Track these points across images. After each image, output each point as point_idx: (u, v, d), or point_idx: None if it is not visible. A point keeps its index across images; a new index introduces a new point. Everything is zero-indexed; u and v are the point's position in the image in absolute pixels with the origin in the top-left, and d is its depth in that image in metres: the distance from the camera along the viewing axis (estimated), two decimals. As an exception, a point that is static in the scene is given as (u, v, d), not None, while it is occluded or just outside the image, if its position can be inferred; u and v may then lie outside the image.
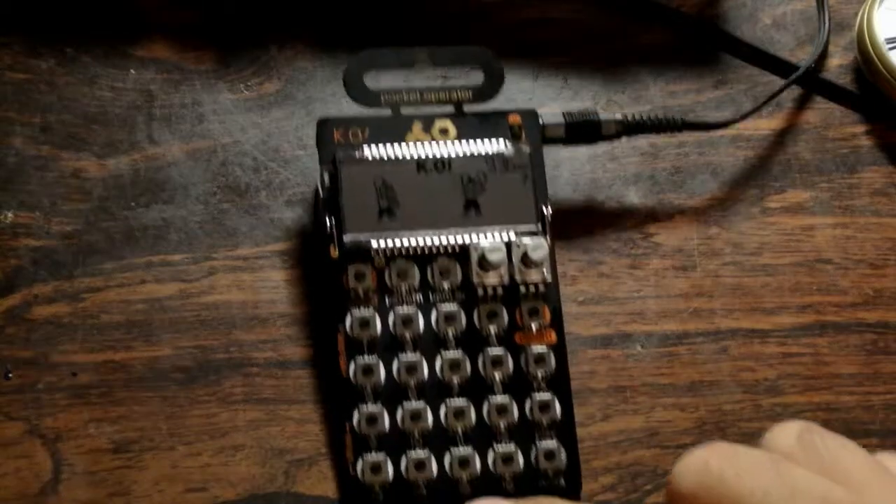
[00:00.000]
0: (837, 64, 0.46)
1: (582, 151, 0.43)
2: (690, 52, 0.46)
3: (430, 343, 0.35)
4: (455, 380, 0.35)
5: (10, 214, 0.40)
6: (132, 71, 0.42)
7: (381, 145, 0.36)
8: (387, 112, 0.37)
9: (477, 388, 0.35)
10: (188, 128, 0.42)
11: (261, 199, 0.41)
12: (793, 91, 0.45)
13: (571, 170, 0.43)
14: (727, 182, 0.43)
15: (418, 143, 0.37)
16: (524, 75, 0.44)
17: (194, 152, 0.41)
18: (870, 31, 0.45)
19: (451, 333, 0.35)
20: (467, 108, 0.38)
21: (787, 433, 0.26)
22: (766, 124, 0.45)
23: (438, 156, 0.36)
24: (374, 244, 0.35)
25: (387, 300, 0.36)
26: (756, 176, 0.44)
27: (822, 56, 0.46)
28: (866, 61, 0.45)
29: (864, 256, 0.42)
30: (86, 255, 0.39)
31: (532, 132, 0.38)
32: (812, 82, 0.45)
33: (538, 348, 0.36)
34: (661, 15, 0.46)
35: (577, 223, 0.42)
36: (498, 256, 0.35)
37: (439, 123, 0.37)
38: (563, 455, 0.34)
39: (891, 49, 0.45)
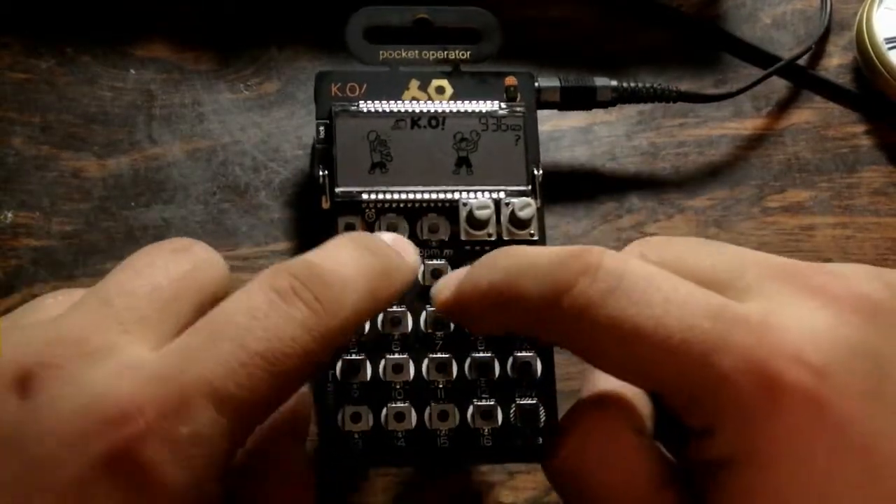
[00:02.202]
0: (837, 63, 0.47)
1: (581, 151, 0.43)
2: (690, 52, 0.46)
3: (416, 297, 0.35)
4: (438, 334, 0.35)
5: (10, 214, 0.40)
6: (132, 71, 0.42)
7: (377, 101, 0.37)
8: (385, 69, 0.38)
9: (460, 344, 0.35)
10: (188, 128, 0.42)
11: (261, 199, 0.41)
12: (792, 90, 0.45)
13: (570, 168, 0.43)
14: (727, 182, 0.43)
15: (414, 101, 0.37)
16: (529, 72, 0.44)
17: (194, 152, 0.41)
18: (869, 31, 0.45)
19: None
20: (465, 68, 0.38)
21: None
22: (765, 124, 0.45)
23: (433, 112, 0.37)
24: (364, 197, 0.36)
25: None
26: (755, 175, 0.44)
27: (822, 44, 0.46)
28: (865, 61, 0.45)
29: (863, 256, 0.42)
30: (86, 255, 0.39)
31: (527, 95, 0.38)
32: (803, 75, 0.46)
33: None
34: (661, 15, 0.46)
35: (577, 222, 0.42)
36: (486, 213, 0.35)
37: (436, 82, 0.38)
38: (541, 414, 0.34)
39: (890, 49, 0.45)
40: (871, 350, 0.25)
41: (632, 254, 0.29)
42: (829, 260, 0.42)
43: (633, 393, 0.29)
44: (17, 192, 0.40)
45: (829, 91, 0.46)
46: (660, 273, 0.27)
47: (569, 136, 0.43)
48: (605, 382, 0.30)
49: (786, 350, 0.24)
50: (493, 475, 0.38)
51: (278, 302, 0.26)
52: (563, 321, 0.27)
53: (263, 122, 0.42)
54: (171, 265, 0.27)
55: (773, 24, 0.47)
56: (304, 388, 0.31)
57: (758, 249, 0.42)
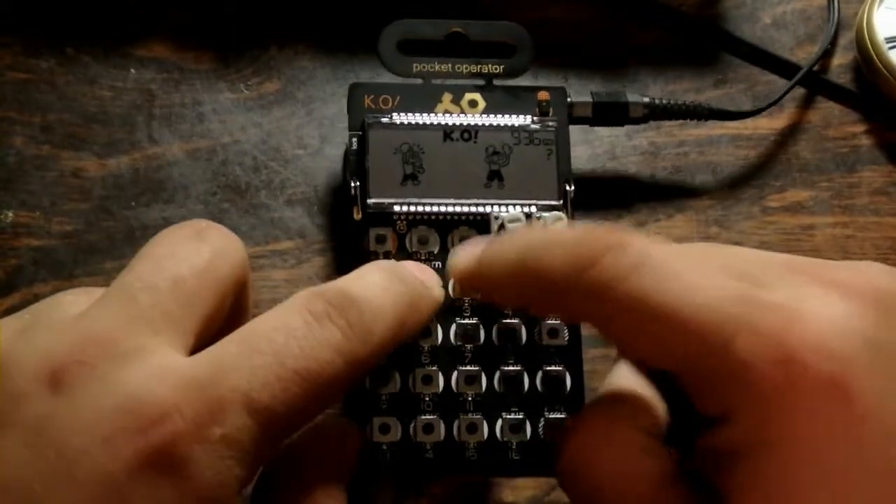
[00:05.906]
0: (837, 63, 0.47)
1: (582, 151, 0.43)
2: (690, 52, 0.46)
3: (446, 309, 0.35)
4: (468, 347, 0.35)
5: (10, 214, 0.40)
6: (132, 70, 0.42)
7: (410, 113, 0.37)
8: (418, 82, 0.38)
9: (489, 357, 0.35)
10: (188, 127, 0.42)
11: (261, 199, 0.41)
12: (792, 90, 0.45)
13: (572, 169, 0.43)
14: (727, 181, 0.43)
15: (447, 114, 0.37)
16: (524, 75, 0.44)
17: (194, 152, 0.41)
18: (870, 31, 0.45)
19: (466, 301, 0.36)
20: (497, 82, 0.38)
21: None
22: (765, 123, 0.45)
23: (465, 125, 0.37)
24: (396, 208, 0.36)
25: None
26: (756, 175, 0.44)
27: (830, 50, 0.46)
28: (866, 60, 0.45)
29: (863, 256, 0.42)
30: (86, 255, 0.39)
31: (560, 110, 0.38)
32: (816, 80, 0.46)
33: (552, 321, 0.36)
34: (661, 15, 0.46)
35: (577, 222, 0.42)
36: (517, 226, 0.35)
37: (469, 95, 0.38)
38: None
39: (891, 48, 0.45)
40: (889, 343, 0.25)
41: None
42: (829, 259, 0.42)
43: (646, 393, 0.29)
44: (17, 191, 0.40)
45: (830, 91, 0.46)
46: (686, 256, 0.26)
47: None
48: (620, 382, 0.29)
49: (810, 338, 0.24)
50: (493, 475, 0.38)
51: (314, 324, 0.26)
52: (586, 296, 0.26)
53: (263, 122, 0.42)
54: (192, 254, 0.27)
55: (773, 23, 0.47)
56: (354, 428, 0.31)
57: (758, 249, 0.42)
